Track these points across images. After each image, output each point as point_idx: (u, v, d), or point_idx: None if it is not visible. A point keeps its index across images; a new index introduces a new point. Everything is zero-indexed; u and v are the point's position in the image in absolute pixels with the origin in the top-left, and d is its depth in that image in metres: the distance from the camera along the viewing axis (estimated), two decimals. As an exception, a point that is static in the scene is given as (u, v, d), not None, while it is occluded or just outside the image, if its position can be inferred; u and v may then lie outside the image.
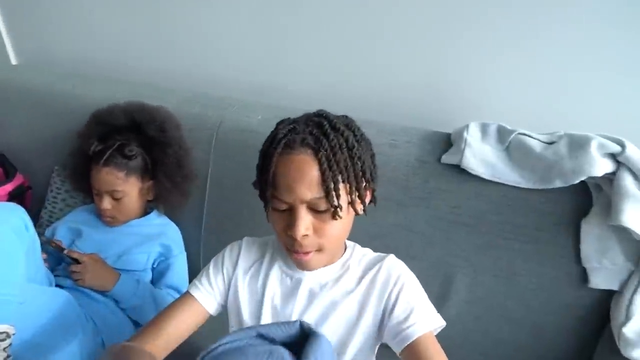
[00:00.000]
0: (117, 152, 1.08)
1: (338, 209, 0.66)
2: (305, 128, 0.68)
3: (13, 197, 1.34)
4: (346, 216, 0.70)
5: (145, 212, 1.20)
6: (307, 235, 0.68)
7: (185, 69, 1.43)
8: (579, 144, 0.92)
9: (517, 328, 1.01)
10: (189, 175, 1.17)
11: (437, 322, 0.73)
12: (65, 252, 1.05)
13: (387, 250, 0.83)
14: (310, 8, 1.23)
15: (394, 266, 0.77)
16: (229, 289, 0.80)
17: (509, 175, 0.97)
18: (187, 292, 0.80)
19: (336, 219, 0.67)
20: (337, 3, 1.20)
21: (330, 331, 0.73)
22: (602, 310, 0.94)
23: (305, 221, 0.67)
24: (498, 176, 0.98)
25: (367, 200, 0.76)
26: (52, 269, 1.07)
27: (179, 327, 0.75)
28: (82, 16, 1.50)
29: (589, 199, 0.93)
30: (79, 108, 1.27)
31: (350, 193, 0.68)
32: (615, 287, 0.91)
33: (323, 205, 0.66)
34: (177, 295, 0.99)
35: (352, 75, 1.24)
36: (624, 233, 0.88)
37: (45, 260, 1.01)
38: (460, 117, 1.11)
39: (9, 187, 1.33)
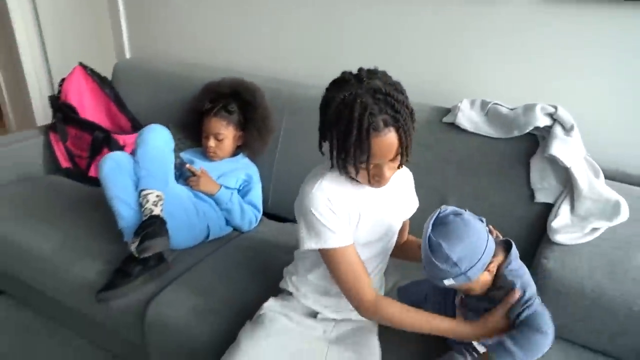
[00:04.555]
0: (223, 108, 1.54)
1: (404, 161, 0.91)
2: (379, 109, 0.84)
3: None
4: None
5: (235, 154, 1.62)
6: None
7: (261, 63, 1.92)
8: (528, 108, 1.30)
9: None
10: (270, 129, 1.61)
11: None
12: (186, 166, 1.50)
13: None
14: (348, 21, 1.69)
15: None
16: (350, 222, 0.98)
17: (486, 130, 1.35)
18: (343, 247, 0.95)
19: (401, 167, 0.93)
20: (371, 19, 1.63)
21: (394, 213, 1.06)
22: (543, 219, 1.26)
23: (389, 172, 0.91)
24: (479, 130, 1.36)
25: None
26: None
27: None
28: (181, 21, 2.06)
29: (536, 144, 1.31)
30: (184, 85, 1.81)
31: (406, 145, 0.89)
32: (551, 201, 1.28)
33: (396, 159, 0.90)
34: (254, 209, 1.56)
35: (384, 67, 1.55)
36: (556, 164, 1.25)
37: None
38: (456, 97, 1.46)
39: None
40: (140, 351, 1.30)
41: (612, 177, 1.29)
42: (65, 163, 1.80)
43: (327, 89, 0.91)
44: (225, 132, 1.53)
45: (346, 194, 0.97)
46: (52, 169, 1.84)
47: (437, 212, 0.89)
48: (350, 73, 0.90)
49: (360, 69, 0.90)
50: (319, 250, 0.96)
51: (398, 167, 0.92)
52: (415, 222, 1.23)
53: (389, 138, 0.85)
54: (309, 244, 0.95)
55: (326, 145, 0.92)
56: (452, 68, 1.55)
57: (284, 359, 0.96)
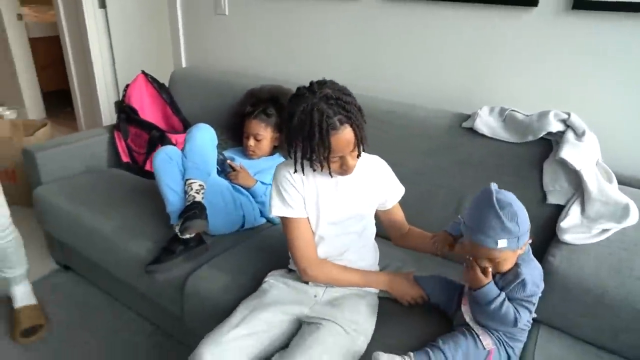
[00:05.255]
0: (262, 112, 1.73)
1: (361, 150, 1.06)
2: (333, 111, 0.99)
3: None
4: None
5: (272, 153, 1.78)
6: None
7: (299, 72, 2.10)
8: (543, 115, 1.37)
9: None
10: None
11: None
12: (228, 162, 1.68)
13: (425, 181, 1.43)
14: (382, 36, 1.82)
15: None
16: (307, 194, 1.16)
17: (502, 134, 1.44)
18: (298, 218, 1.14)
19: (360, 155, 1.08)
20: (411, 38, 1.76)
21: (358, 198, 1.19)
22: (554, 220, 1.31)
23: (353, 161, 1.07)
24: (496, 135, 1.45)
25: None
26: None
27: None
28: (231, 36, 2.28)
29: (550, 148, 1.38)
30: (232, 91, 2.00)
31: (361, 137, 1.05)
32: (562, 203, 1.34)
33: (355, 150, 1.05)
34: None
35: (415, 78, 1.80)
36: (567, 168, 1.31)
37: None
38: (479, 105, 1.54)
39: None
40: (179, 323, 1.48)
41: (628, 183, 1.33)
42: (125, 158, 2.05)
43: (287, 105, 1.06)
44: (263, 133, 1.71)
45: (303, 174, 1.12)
46: (114, 163, 2.09)
47: (493, 185, 0.98)
48: (304, 87, 1.05)
49: (311, 82, 1.05)
50: (280, 217, 1.16)
51: (357, 156, 1.08)
52: (433, 216, 1.36)
53: (346, 133, 1.02)
54: (275, 211, 1.15)
55: (293, 151, 1.07)
56: (475, 78, 1.65)
57: (272, 305, 1.13)
